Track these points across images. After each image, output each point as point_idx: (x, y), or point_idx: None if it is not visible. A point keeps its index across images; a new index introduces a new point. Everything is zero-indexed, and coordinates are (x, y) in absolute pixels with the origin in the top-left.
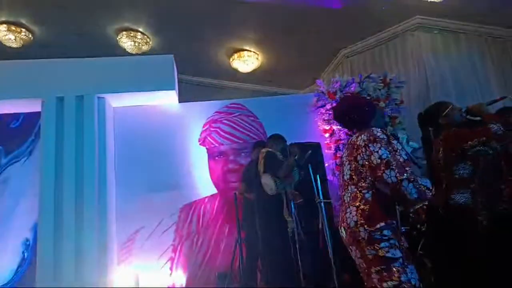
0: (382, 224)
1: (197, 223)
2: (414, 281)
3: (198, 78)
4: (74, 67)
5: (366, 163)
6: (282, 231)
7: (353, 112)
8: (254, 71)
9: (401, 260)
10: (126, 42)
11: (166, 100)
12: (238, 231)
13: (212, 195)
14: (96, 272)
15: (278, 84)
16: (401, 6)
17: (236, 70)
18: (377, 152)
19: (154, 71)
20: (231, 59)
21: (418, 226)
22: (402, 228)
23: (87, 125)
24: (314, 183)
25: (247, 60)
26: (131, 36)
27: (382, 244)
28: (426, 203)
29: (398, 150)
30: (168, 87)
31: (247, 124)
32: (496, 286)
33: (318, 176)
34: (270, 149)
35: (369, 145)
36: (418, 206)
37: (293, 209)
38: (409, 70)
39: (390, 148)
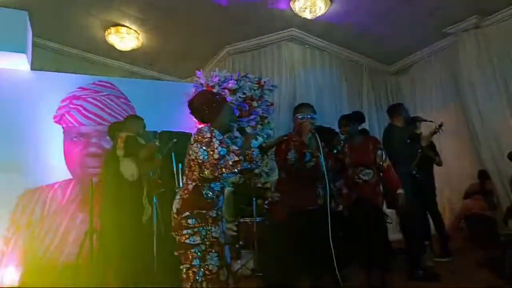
0: (187, 213)
1: (42, 211)
2: (211, 266)
3: (64, 47)
4: None
5: (195, 159)
6: (139, 220)
7: (203, 108)
8: (133, 50)
9: (202, 247)
10: None
11: (14, 64)
12: (91, 220)
13: (65, 181)
14: None
15: (159, 70)
16: (279, 16)
17: (112, 46)
18: (197, 152)
19: None
20: (106, 33)
21: None
22: (257, 218)
23: None
24: (175, 171)
25: (125, 37)
26: None
27: (185, 231)
28: None
29: (215, 149)
30: (16, 48)
31: (116, 106)
32: None
33: (180, 165)
34: (129, 133)
35: (194, 144)
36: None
37: (154, 198)
38: (282, 76)
39: (209, 148)
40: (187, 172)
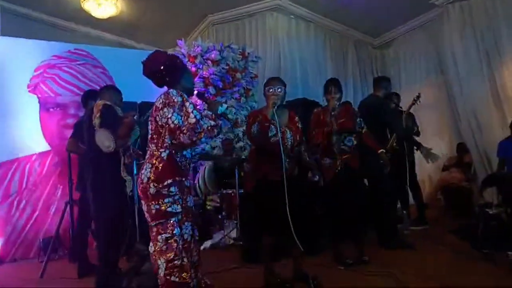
0: (170, 181)
1: (20, 183)
2: (186, 236)
3: (35, 12)
4: None
5: (165, 125)
6: (118, 192)
7: (164, 71)
8: (111, 18)
9: (180, 215)
10: None
11: None
12: (70, 191)
13: (42, 152)
14: None
15: (139, 40)
16: None
17: (88, 14)
18: (170, 117)
19: None
20: None
21: None
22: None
23: None
24: None
25: (103, 4)
26: None
27: (166, 200)
28: None
29: (190, 113)
30: None
31: (93, 75)
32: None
33: None
34: (107, 102)
35: (164, 108)
36: None
37: (135, 169)
38: (266, 47)
39: (182, 112)
40: (155, 139)
